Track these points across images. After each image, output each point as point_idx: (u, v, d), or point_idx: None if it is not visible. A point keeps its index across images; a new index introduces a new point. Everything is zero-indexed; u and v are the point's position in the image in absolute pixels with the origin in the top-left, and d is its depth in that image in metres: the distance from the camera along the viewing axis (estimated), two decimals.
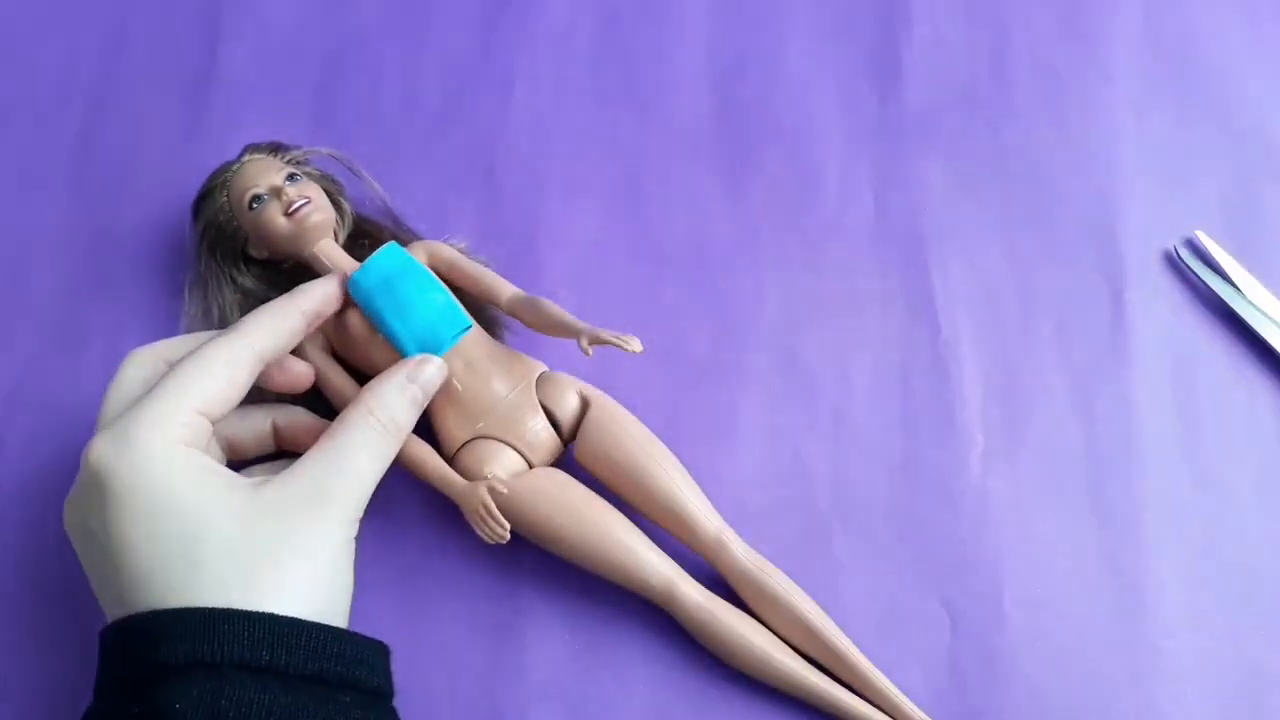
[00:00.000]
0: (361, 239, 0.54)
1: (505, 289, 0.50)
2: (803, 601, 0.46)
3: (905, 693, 0.45)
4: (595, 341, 0.45)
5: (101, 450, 0.34)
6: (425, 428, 0.46)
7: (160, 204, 0.58)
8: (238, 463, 0.45)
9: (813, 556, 0.49)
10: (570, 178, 0.58)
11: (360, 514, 0.37)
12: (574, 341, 0.46)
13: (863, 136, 0.59)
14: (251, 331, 0.39)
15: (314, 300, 0.44)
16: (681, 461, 0.48)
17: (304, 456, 0.37)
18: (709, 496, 0.48)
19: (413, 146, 0.59)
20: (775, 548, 0.48)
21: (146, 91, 0.61)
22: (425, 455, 0.47)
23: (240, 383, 0.39)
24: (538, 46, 0.62)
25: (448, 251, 0.52)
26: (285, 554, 0.34)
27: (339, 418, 0.39)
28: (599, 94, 0.61)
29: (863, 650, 0.46)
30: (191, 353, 0.38)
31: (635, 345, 0.45)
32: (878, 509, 0.50)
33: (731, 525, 0.47)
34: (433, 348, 0.45)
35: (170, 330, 0.54)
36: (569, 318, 0.47)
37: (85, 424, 0.52)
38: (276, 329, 0.41)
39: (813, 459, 0.51)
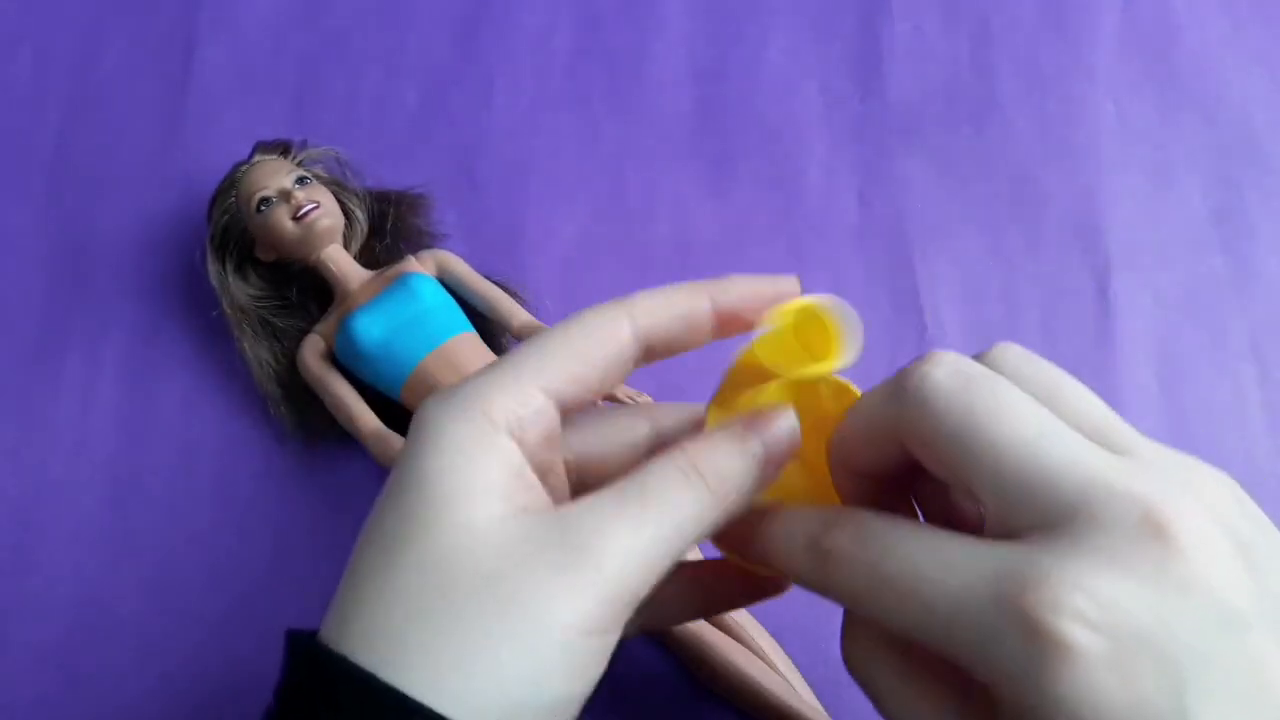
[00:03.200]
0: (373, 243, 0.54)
1: (518, 314, 0.50)
2: (777, 658, 0.45)
3: None
4: (607, 396, 0.46)
5: (422, 411, 0.26)
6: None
7: (139, 209, 0.57)
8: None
9: None
10: (552, 178, 0.58)
11: (634, 600, 0.25)
12: None
13: (845, 134, 0.59)
14: (638, 302, 0.29)
15: (731, 297, 0.32)
16: None
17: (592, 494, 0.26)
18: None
19: (393, 149, 0.59)
20: None
21: (123, 97, 0.61)
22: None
23: (605, 360, 0.28)
24: (518, 47, 0.62)
25: (458, 266, 0.52)
26: (498, 631, 0.23)
27: (652, 459, 0.27)
28: (580, 94, 0.61)
29: None
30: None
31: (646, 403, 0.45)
32: None
33: None
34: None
35: (150, 339, 0.54)
36: None
37: (65, 430, 0.52)
38: (672, 306, 0.30)
39: None
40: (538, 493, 0.26)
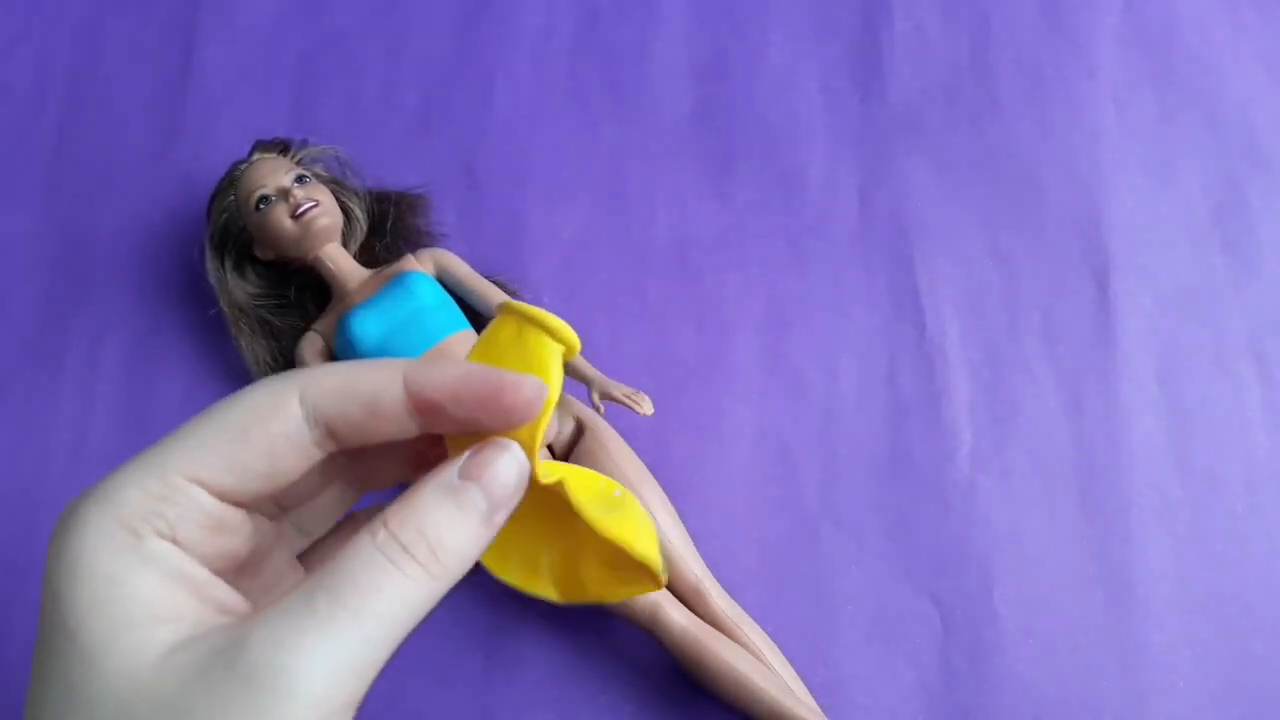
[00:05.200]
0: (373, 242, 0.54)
1: None
2: (774, 660, 0.45)
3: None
4: (605, 397, 0.46)
5: (56, 532, 0.22)
6: None
7: (138, 209, 0.57)
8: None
9: (802, 556, 0.49)
10: (552, 177, 0.58)
11: (348, 708, 0.20)
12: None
13: (846, 134, 0.59)
14: (314, 378, 0.23)
15: (435, 389, 0.23)
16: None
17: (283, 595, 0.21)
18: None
19: (393, 147, 0.59)
20: (764, 548, 0.48)
21: (122, 99, 0.61)
22: None
23: (269, 443, 0.22)
24: (518, 45, 0.62)
25: (458, 266, 0.51)
26: None
27: (352, 541, 0.22)
28: (580, 93, 0.61)
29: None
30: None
31: (647, 408, 0.45)
32: (866, 508, 0.50)
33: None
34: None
35: (150, 338, 0.54)
36: (581, 361, 0.47)
37: (65, 428, 0.52)
38: (353, 385, 0.23)
39: (801, 458, 0.51)
40: (211, 599, 0.21)
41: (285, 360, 0.51)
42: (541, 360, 0.24)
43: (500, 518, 0.23)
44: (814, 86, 0.61)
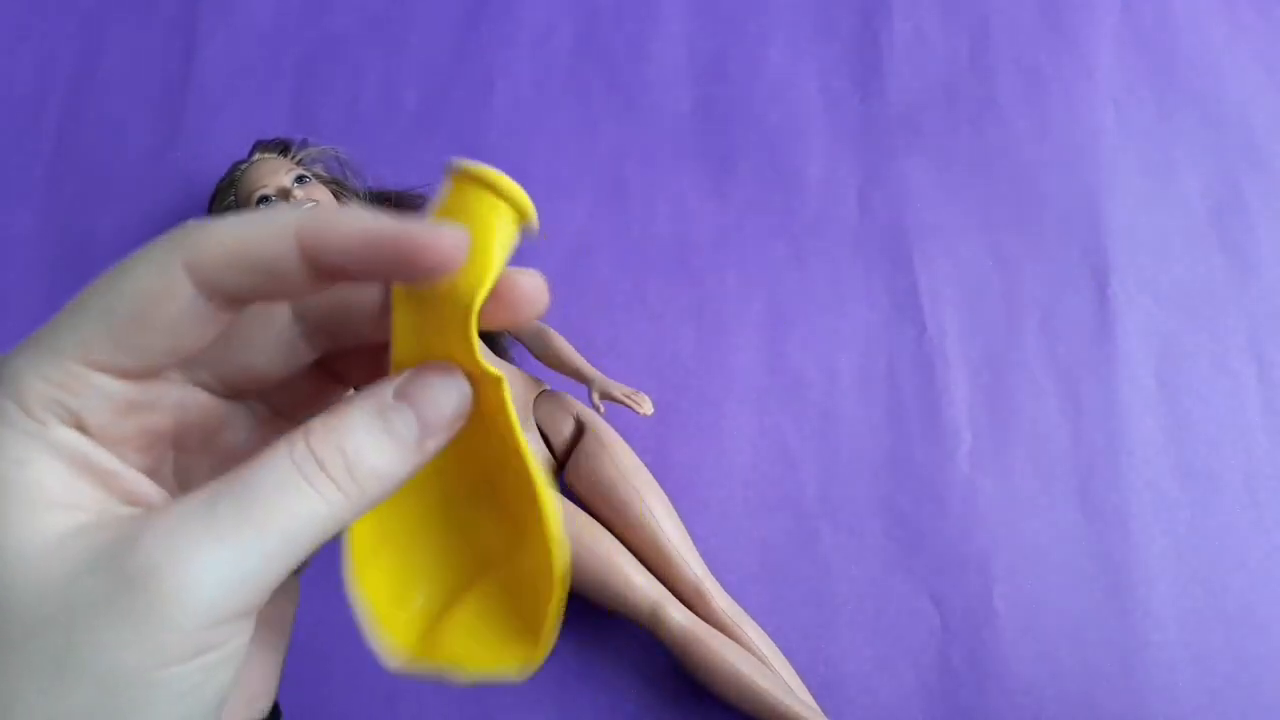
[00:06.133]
0: None
1: None
2: (774, 659, 0.45)
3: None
4: (605, 397, 0.46)
5: None
6: None
7: (138, 209, 0.57)
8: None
9: (801, 555, 0.49)
10: (552, 178, 0.58)
11: (233, 618, 0.19)
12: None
13: (845, 134, 0.59)
14: (197, 244, 0.20)
15: (333, 238, 0.20)
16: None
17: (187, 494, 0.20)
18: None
19: (393, 147, 0.59)
20: (764, 548, 0.48)
21: (123, 99, 0.61)
22: None
23: (168, 320, 0.20)
24: (518, 46, 0.62)
25: None
26: (54, 688, 0.19)
27: (267, 449, 0.20)
28: (580, 94, 0.61)
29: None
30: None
31: (647, 408, 0.45)
32: (866, 507, 0.50)
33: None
34: None
35: None
36: (579, 361, 0.47)
37: None
38: (242, 249, 0.20)
39: (800, 458, 0.51)
40: (119, 489, 0.21)
41: None
42: (487, 225, 0.21)
43: (431, 446, 0.21)
44: (814, 86, 0.61)
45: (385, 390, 0.21)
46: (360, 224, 0.20)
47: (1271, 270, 0.55)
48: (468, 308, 0.20)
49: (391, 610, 0.23)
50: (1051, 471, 0.51)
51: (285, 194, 0.50)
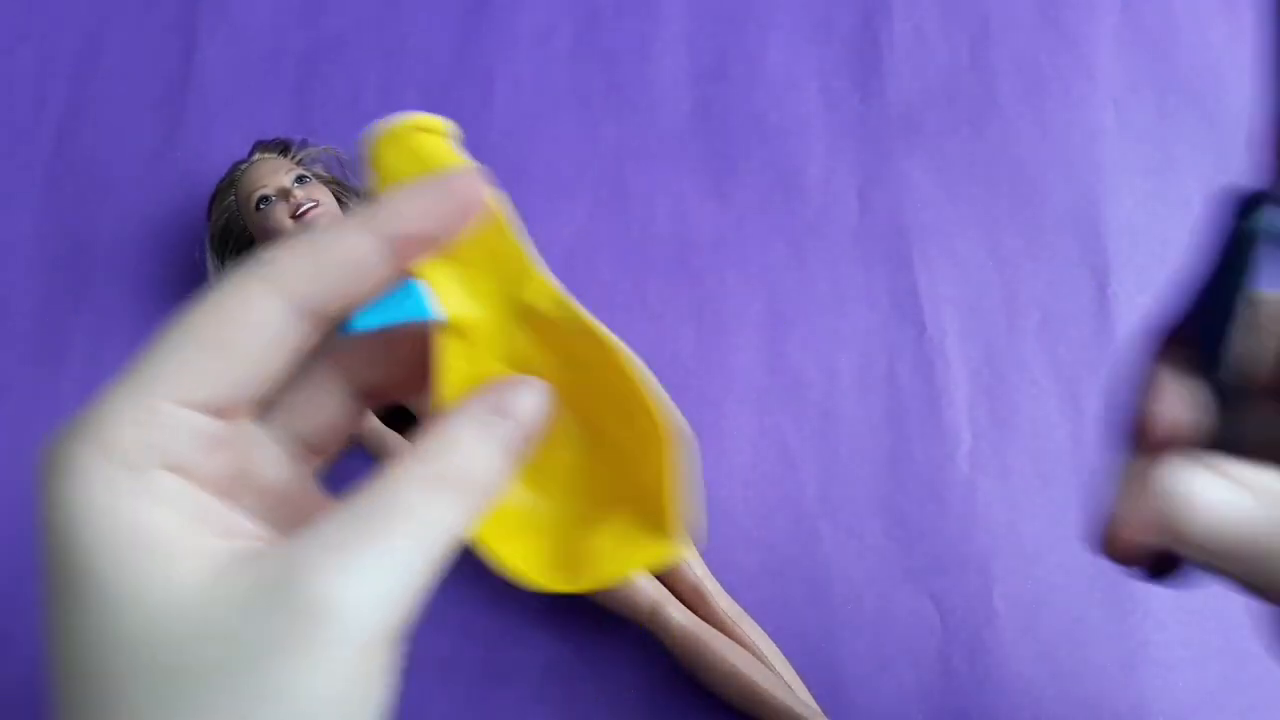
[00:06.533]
0: None
1: None
2: (774, 659, 0.45)
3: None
4: None
5: (42, 479, 0.22)
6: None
7: (138, 211, 0.57)
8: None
9: (802, 555, 0.49)
10: (552, 178, 0.58)
11: (392, 637, 0.20)
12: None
13: (845, 134, 0.59)
14: (282, 269, 0.22)
15: (402, 219, 0.22)
16: None
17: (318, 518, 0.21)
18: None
19: None
20: (764, 548, 0.48)
21: (122, 99, 0.61)
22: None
23: (259, 349, 0.21)
24: (518, 46, 0.62)
25: None
26: (246, 700, 0.18)
27: (384, 472, 0.21)
28: (580, 94, 0.61)
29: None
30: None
31: None
32: (866, 507, 0.50)
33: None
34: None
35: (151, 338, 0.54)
36: None
37: None
38: (330, 261, 0.22)
39: (800, 458, 0.51)
40: (224, 527, 0.21)
41: None
42: (442, 155, 0.23)
43: (530, 442, 0.23)
44: (814, 86, 0.61)
45: (480, 406, 0.22)
46: (415, 194, 0.22)
47: None
48: (502, 227, 0.24)
49: (525, 546, 0.24)
50: (1052, 471, 0.51)
51: (285, 194, 0.50)
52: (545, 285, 0.24)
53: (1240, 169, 0.57)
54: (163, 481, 0.20)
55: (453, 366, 0.24)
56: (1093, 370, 0.53)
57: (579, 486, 0.25)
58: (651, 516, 0.24)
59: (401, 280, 0.23)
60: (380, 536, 0.20)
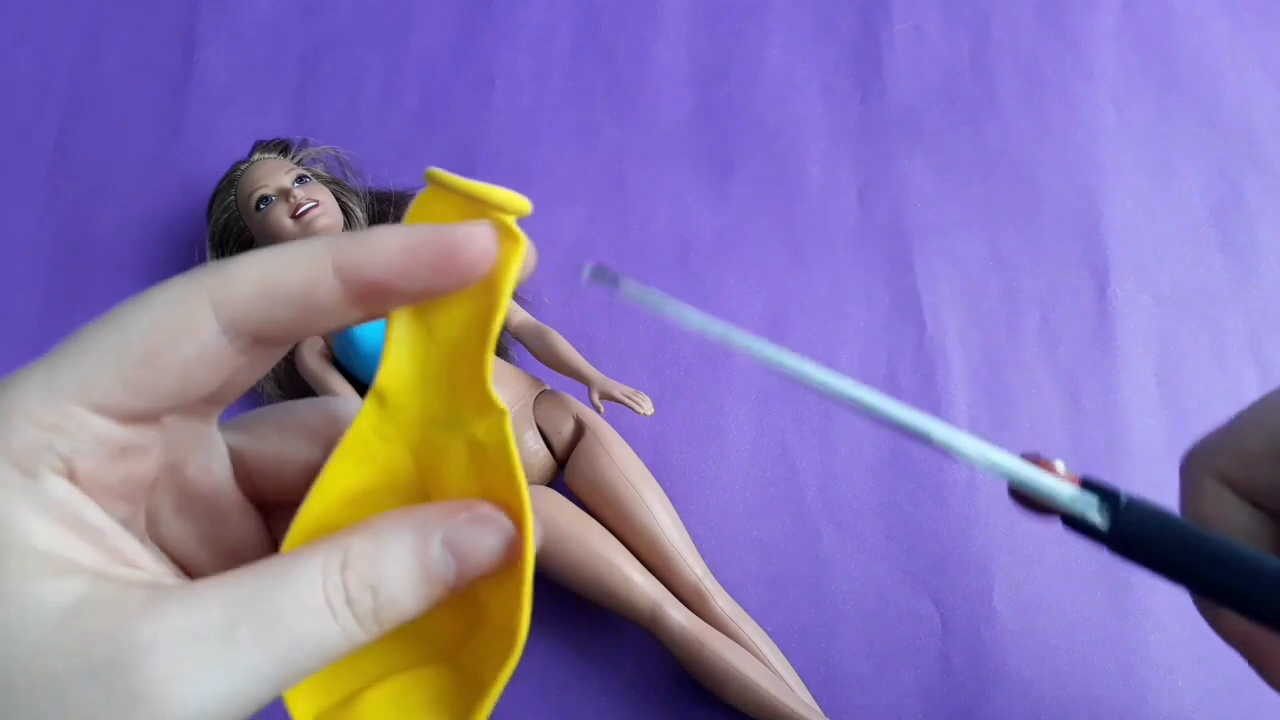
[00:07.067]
0: None
1: (516, 313, 0.50)
2: (774, 659, 0.45)
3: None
4: (606, 397, 0.46)
5: None
6: None
7: (138, 209, 0.57)
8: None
9: (802, 556, 0.49)
10: (552, 177, 0.58)
11: None
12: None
13: (845, 134, 0.59)
14: (223, 279, 0.20)
15: (373, 265, 0.20)
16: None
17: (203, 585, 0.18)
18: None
19: (393, 148, 0.59)
20: (764, 548, 0.48)
21: (123, 98, 0.61)
22: None
23: (181, 362, 0.19)
24: (518, 46, 0.62)
25: None
26: None
27: (286, 550, 0.20)
28: (580, 94, 0.61)
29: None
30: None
31: (647, 408, 0.45)
32: (866, 507, 0.50)
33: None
34: None
35: None
36: (579, 361, 0.47)
37: None
38: (277, 283, 0.20)
39: (800, 458, 0.51)
40: (111, 549, 0.19)
41: (287, 360, 0.51)
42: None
43: (461, 586, 0.20)
44: (814, 87, 0.61)
45: (433, 532, 0.20)
46: (393, 235, 0.20)
47: (1271, 270, 0.55)
48: (488, 317, 0.20)
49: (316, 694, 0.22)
50: None
51: (285, 194, 0.50)
52: (498, 405, 0.20)
53: (1239, 168, 0.57)
54: (53, 488, 0.19)
55: (355, 428, 0.21)
56: (1092, 369, 0.53)
57: (409, 633, 0.21)
58: (458, 701, 0.21)
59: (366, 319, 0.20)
60: (253, 647, 0.17)
